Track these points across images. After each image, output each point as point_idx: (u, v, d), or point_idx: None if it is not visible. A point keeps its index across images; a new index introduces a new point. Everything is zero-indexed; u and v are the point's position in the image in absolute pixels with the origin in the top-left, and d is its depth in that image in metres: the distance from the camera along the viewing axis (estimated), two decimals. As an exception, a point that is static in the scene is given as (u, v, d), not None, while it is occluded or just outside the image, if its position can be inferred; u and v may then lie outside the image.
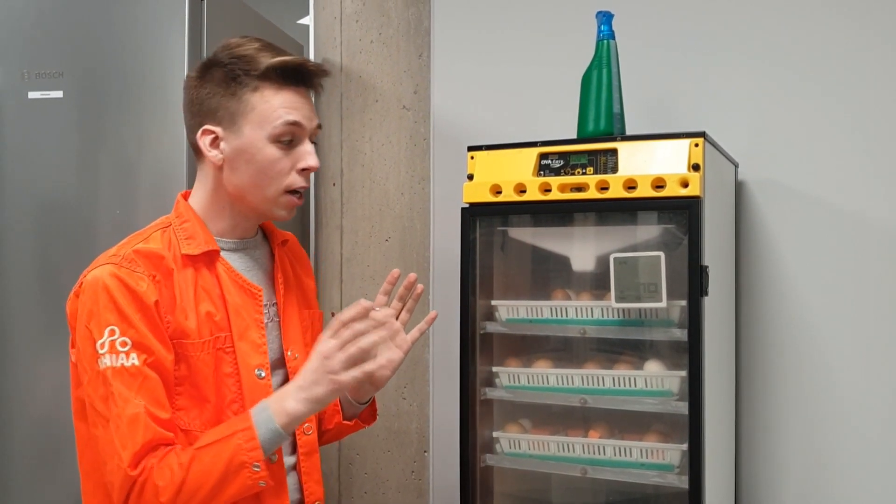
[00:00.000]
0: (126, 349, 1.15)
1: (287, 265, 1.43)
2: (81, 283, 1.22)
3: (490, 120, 1.95)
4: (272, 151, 1.23)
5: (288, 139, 1.24)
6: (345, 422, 1.49)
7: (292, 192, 1.27)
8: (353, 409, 1.48)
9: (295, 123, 1.24)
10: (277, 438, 1.18)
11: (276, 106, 1.22)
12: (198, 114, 1.27)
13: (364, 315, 1.20)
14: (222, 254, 1.29)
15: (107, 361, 1.15)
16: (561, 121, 1.63)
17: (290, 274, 1.43)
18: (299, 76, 1.25)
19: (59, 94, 1.70)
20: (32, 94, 1.72)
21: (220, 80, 1.24)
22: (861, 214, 1.68)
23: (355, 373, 1.17)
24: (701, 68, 1.79)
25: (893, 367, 1.65)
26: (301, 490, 1.36)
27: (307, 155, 1.26)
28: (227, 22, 1.82)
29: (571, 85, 1.60)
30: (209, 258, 1.26)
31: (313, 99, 1.31)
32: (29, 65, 1.74)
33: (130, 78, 1.73)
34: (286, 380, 1.32)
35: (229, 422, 1.21)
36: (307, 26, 2.28)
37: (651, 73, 1.80)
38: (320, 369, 1.18)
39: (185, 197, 1.33)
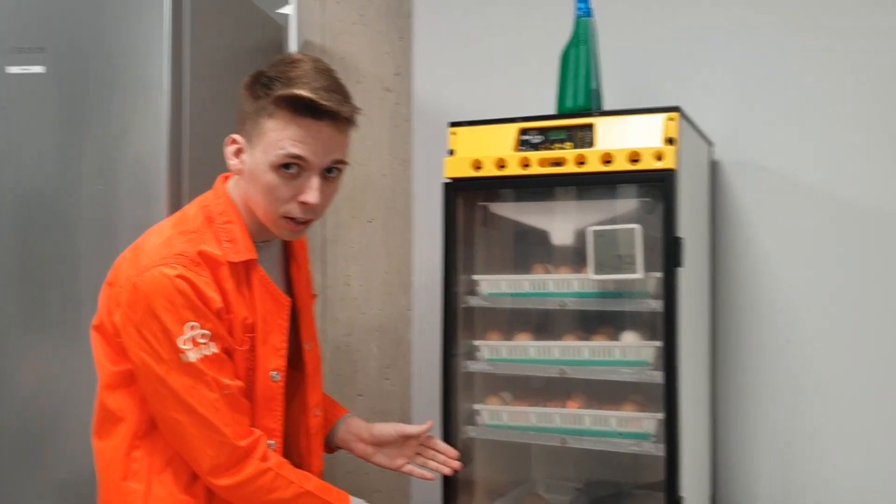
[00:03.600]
0: (206, 340, 1.21)
1: (299, 257, 1.47)
2: (136, 279, 1.22)
3: (471, 99, 1.98)
4: (272, 178, 1.24)
5: (292, 170, 1.24)
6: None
7: (291, 218, 1.28)
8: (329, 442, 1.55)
9: (297, 157, 1.22)
10: None
11: (283, 137, 1.22)
12: (237, 119, 1.29)
13: None
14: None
15: (192, 356, 1.20)
16: (540, 98, 1.66)
17: (303, 268, 1.48)
18: (315, 110, 1.22)
19: (40, 69, 1.69)
20: (11, 69, 1.70)
21: (254, 94, 1.25)
22: (834, 195, 1.73)
23: None
24: (678, 49, 1.83)
25: (864, 338, 1.70)
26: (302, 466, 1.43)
27: (308, 189, 1.25)
28: (210, 1, 1.83)
29: (551, 62, 1.63)
30: (247, 264, 1.30)
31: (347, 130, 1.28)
32: (8, 38, 1.72)
33: (113, 57, 1.73)
34: (292, 368, 1.38)
35: (337, 490, 1.35)
36: (289, 12, 2.29)
37: (629, 51, 1.84)
38: None
39: (224, 181, 1.35)
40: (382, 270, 2.24)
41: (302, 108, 1.22)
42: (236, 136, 1.28)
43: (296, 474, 1.29)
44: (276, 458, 1.28)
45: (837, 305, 1.72)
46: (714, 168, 1.81)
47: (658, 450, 1.46)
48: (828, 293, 1.73)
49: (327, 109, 1.22)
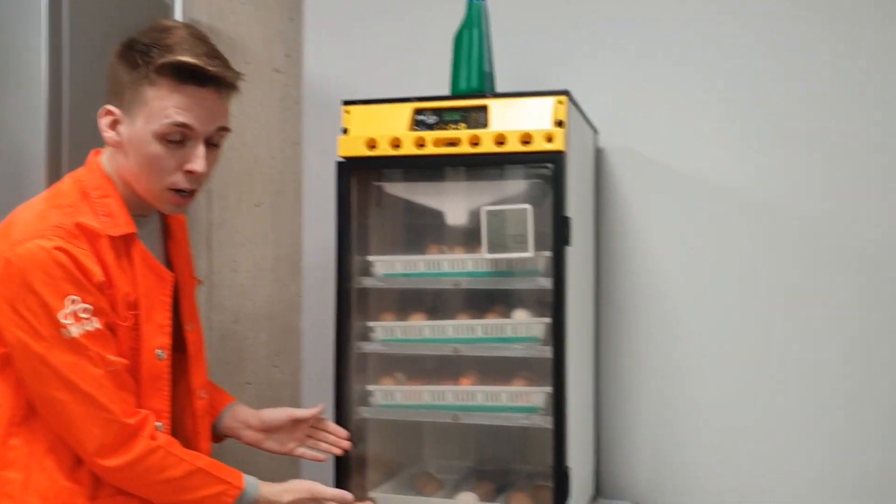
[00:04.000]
0: (88, 315, 1.16)
1: (177, 235, 1.42)
2: (8, 253, 1.15)
3: (364, 81, 1.98)
4: (156, 149, 1.21)
5: (177, 139, 1.21)
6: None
7: (177, 190, 1.25)
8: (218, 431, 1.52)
9: (183, 125, 1.20)
10: None
11: (167, 105, 1.19)
12: (108, 90, 1.24)
13: None
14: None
15: (74, 331, 1.14)
16: (434, 80, 1.68)
17: (182, 247, 1.43)
18: (200, 77, 1.20)
19: None
20: None
21: (131, 63, 1.21)
22: (706, 181, 1.83)
23: None
24: (568, 35, 1.89)
25: (734, 314, 1.81)
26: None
27: (195, 158, 1.22)
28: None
29: (444, 44, 1.65)
30: (126, 239, 1.25)
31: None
32: None
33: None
34: (174, 351, 1.34)
35: (229, 468, 1.30)
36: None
37: (520, 36, 1.88)
38: None
39: (97, 155, 1.29)
40: (271, 256, 2.20)
41: (186, 75, 1.19)
42: (111, 108, 1.23)
43: (186, 452, 1.26)
44: (165, 437, 1.24)
45: (712, 286, 1.83)
46: (598, 155, 1.89)
47: (546, 422, 1.51)
48: (703, 274, 1.84)
49: (213, 75, 1.20)
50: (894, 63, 1.71)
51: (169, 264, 1.38)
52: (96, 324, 1.17)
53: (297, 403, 2.20)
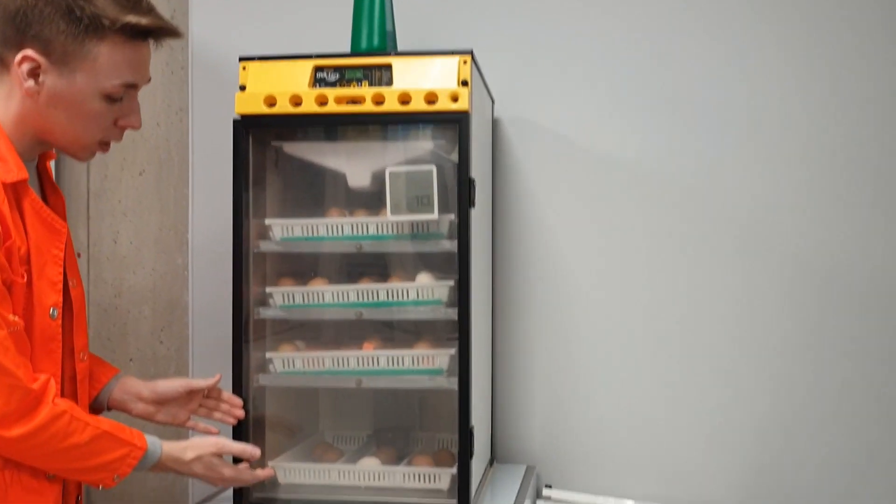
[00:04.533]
0: None
1: (50, 182, 1.34)
2: None
3: (257, 43, 1.90)
4: (98, 105, 1.19)
5: (120, 96, 1.20)
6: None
7: (104, 143, 1.24)
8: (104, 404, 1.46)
9: (133, 85, 1.21)
10: (142, 470, 1.26)
11: (118, 63, 1.17)
12: (21, 31, 1.14)
13: None
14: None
15: None
16: (334, 40, 1.64)
17: (56, 191, 1.34)
18: (149, 35, 1.20)
19: None
20: None
21: (65, 12, 1.13)
22: (603, 153, 1.89)
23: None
24: (468, 2, 1.89)
25: (624, 282, 1.88)
26: None
27: (132, 114, 1.23)
28: None
29: (344, 3, 1.61)
30: (16, 187, 1.16)
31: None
32: None
33: None
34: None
35: (130, 429, 1.25)
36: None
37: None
38: (214, 469, 1.35)
39: None
40: (156, 227, 2.10)
41: (139, 34, 1.18)
42: (33, 55, 1.14)
43: (90, 416, 1.20)
44: (65, 401, 1.17)
45: (601, 254, 1.89)
46: (494, 125, 1.90)
47: (451, 384, 1.52)
48: (592, 243, 1.90)
49: (163, 31, 1.20)
50: (783, 37, 1.81)
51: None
52: None
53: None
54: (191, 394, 1.46)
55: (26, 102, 1.17)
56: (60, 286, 1.21)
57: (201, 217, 2.10)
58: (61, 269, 1.21)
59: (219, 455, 1.34)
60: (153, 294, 2.08)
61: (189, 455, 1.31)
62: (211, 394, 1.49)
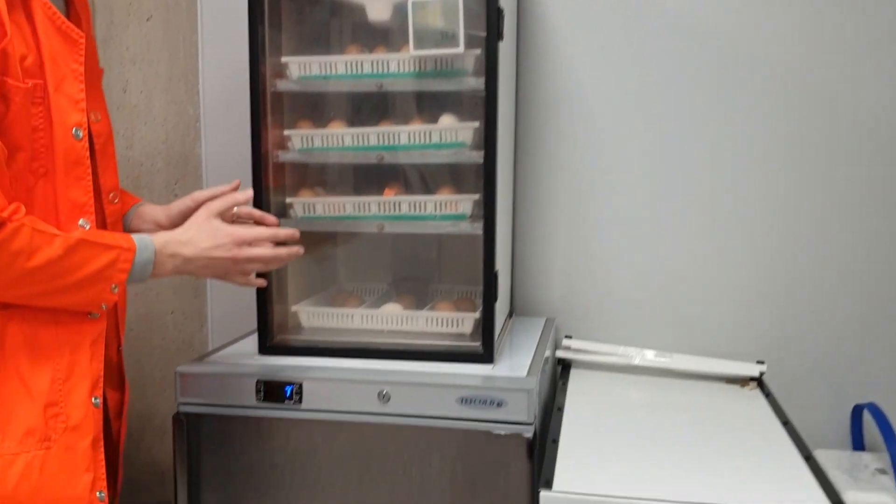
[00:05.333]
0: None
1: (79, 7, 1.23)
2: None
3: None
4: None
5: None
6: None
7: None
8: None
9: None
10: (139, 280, 1.18)
11: None
12: None
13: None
14: None
15: None
16: None
17: (87, 20, 1.25)
18: None
19: None
20: None
21: None
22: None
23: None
24: None
25: (652, 129, 1.82)
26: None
27: None
28: None
29: None
30: None
31: None
32: None
33: None
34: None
35: (113, 233, 1.17)
36: None
37: None
38: (223, 265, 1.26)
39: None
40: (165, 77, 2.03)
41: None
42: None
43: (56, 229, 1.09)
44: (29, 217, 1.06)
45: (630, 99, 1.83)
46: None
47: (474, 228, 1.49)
48: (622, 86, 1.83)
49: None
50: None
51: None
52: None
53: (201, 234, 2.10)
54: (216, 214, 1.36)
55: None
56: (83, 105, 1.14)
57: (211, 66, 2.03)
58: (82, 86, 1.14)
59: (238, 244, 1.27)
60: (166, 146, 2.03)
61: (188, 251, 1.22)
62: (241, 215, 1.40)
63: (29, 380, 1.10)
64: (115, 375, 1.33)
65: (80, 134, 1.13)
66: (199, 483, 1.44)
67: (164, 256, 1.19)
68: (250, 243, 1.30)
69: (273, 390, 1.41)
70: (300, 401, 1.40)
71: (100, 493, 1.15)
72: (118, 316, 1.33)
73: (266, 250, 1.33)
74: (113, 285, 1.13)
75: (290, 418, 1.41)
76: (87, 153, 1.15)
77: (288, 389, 1.41)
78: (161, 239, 1.20)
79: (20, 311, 1.12)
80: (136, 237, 1.17)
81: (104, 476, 1.16)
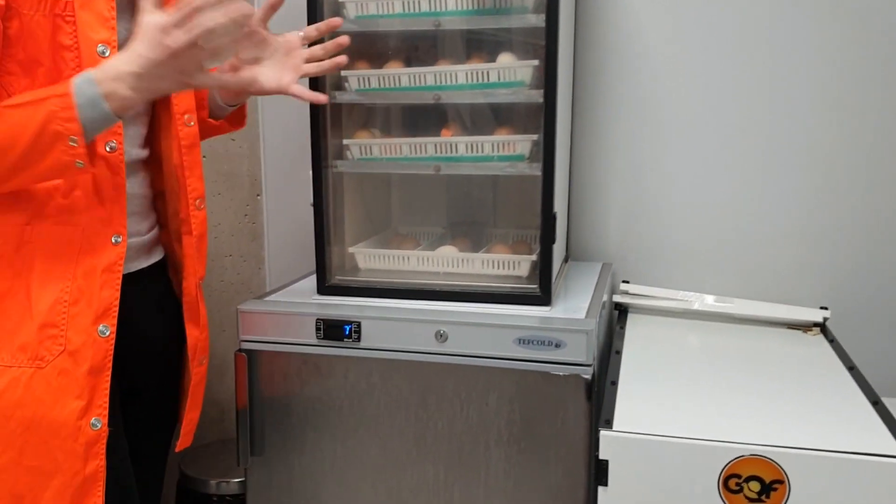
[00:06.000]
0: None
1: None
2: None
3: None
4: None
5: None
6: (210, 120, 1.39)
7: None
8: (221, 110, 1.38)
9: None
10: (102, 120, 1.05)
11: None
12: None
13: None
14: None
15: None
16: None
17: None
18: None
19: None
20: None
21: None
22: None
23: (215, 79, 1.07)
24: None
25: (716, 82, 1.77)
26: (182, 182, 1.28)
27: None
28: None
29: None
30: None
31: None
32: None
33: None
34: None
35: (48, 87, 1.06)
36: None
37: None
38: (168, 62, 1.04)
39: None
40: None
41: None
42: None
43: None
44: None
45: (692, 48, 1.77)
46: None
47: (532, 169, 1.47)
48: (685, 36, 1.77)
49: None
50: None
51: None
52: None
53: (257, 179, 2.12)
54: (288, 51, 1.29)
55: None
56: (113, 24, 1.12)
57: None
58: (112, 4, 1.12)
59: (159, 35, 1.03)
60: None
61: (129, 67, 1.04)
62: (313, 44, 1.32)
63: (34, 298, 1.12)
64: (193, 310, 1.35)
65: (108, 52, 1.11)
66: (262, 417, 1.47)
67: (110, 82, 1.04)
68: (178, 24, 1.04)
69: (332, 329, 1.43)
70: (359, 339, 1.42)
71: (95, 420, 1.14)
72: (196, 246, 1.32)
73: (203, 22, 1.04)
74: (71, 137, 1.03)
75: (348, 356, 1.43)
76: None
77: (347, 328, 1.42)
78: (101, 66, 1.06)
79: (39, 228, 1.13)
80: (73, 77, 1.05)
81: (105, 404, 1.15)
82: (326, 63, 1.33)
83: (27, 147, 1.03)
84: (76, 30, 1.09)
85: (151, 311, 1.33)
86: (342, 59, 1.34)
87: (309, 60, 1.33)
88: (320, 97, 1.33)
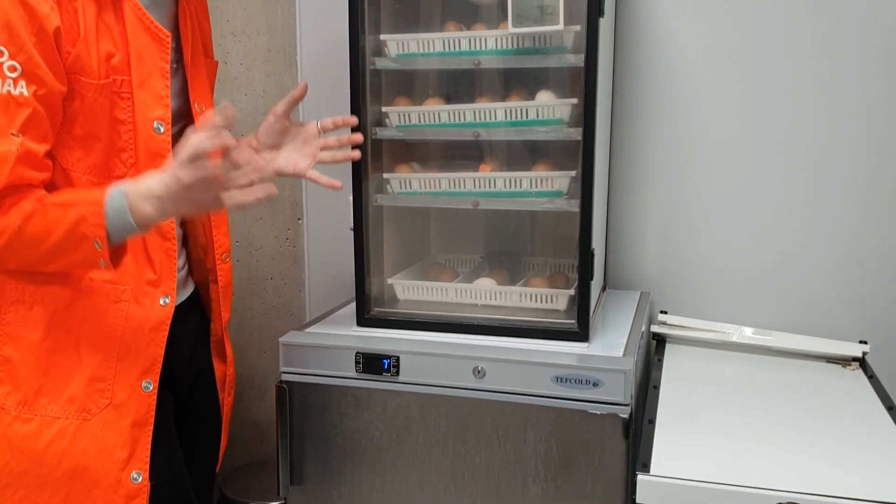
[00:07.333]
0: (14, 75, 1.03)
1: (192, 5, 1.29)
2: None
3: None
4: None
5: None
6: None
7: None
8: None
9: None
10: (126, 230, 1.10)
11: None
12: None
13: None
14: None
15: None
16: None
17: (194, 17, 1.30)
18: None
19: None
20: None
21: None
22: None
23: (233, 203, 1.07)
24: None
25: (753, 102, 1.76)
26: (210, 238, 1.36)
27: None
28: None
29: None
30: None
31: None
32: None
33: None
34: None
35: (88, 189, 1.14)
36: None
37: None
38: (185, 193, 1.07)
39: None
40: (264, 47, 2.07)
41: None
42: None
43: (27, 205, 1.09)
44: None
45: (728, 71, 1.77)
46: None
47: (571, 206, 1.48)
48: (719, 58, 1.77)
49: None
50: None
51: (176, 35, 1.26)
52: (22, 89, 1.04)
53: (298, 203, 2.16)
54: (306, 139, 1.40)
55: None
56: (167, 101, 1.19)
57: (308, 38, 2.06)
58: (167, 83, 1.19)
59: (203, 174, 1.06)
60: (265, 116, 2.08)
61: (159, 189, 1.07)
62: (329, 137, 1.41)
63: (84, 353, 1.17)
64: (220, 348, 1.41)
65: (162, 128, 1.18)
66: (301, 447, 1.50)
67: (138, 199, 1.09)
68: (190, 161, 1.06)
69: (371, 362, 1.45)
70: (397, 373, 1.44)
71: (136, 473, 1.20)
72: (221, 294, 1.40)
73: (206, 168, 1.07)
74: (96, 241, 1.08)
75: (387, 390, 1.45)
76: (169, 146, 1.20)
77: (385, 362, 1.45)
78: (135, 182, 1.12)
79: (91, 287, 1.18)
80: (109, 188, 1.11)
81: (146, 458, 1.21)
82: (340, 154, 1.42)
83: (58, 242, 1.09)
84: (133, 106, 1.15)
85: (191, 341, 1.38)
86: (356, 153, 1.44)
87: (324, 149, 1.41)
88: (335, 183, 1.39)
